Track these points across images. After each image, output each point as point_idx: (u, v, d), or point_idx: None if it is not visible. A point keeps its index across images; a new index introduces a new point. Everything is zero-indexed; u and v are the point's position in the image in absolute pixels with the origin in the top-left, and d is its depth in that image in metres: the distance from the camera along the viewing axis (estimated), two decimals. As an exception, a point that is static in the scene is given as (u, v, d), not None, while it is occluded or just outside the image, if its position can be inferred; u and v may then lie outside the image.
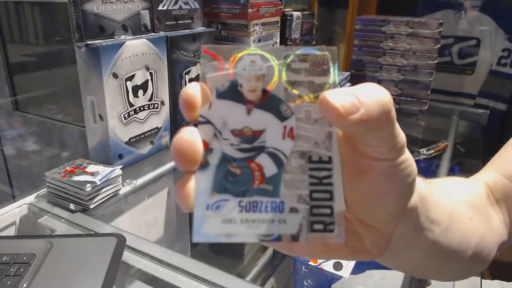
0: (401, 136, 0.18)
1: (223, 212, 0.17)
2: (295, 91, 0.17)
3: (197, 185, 0.17)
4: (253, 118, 0.17)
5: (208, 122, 0.17)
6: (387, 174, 0.18)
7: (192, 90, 0.17)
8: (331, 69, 0.17)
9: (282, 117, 0.17)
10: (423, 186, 0.21)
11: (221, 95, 0.17)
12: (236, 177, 0.17)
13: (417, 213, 0.21)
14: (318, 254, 0.21)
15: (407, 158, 0.18)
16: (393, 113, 0.17)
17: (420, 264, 0.24)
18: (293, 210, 0.17)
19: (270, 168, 0.17)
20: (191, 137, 0.17)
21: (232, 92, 0.17)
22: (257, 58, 0.17)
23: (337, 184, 0.17)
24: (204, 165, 0.17)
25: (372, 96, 0.16)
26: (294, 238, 0.17)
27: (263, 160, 0.17)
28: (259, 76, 0.17)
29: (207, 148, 0.17)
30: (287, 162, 0.17)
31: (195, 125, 0.17)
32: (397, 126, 0.17)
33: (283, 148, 0.17)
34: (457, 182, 0.29)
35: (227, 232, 0.17)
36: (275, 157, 0.17)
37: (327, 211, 0.17)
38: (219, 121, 0.17)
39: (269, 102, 0.17)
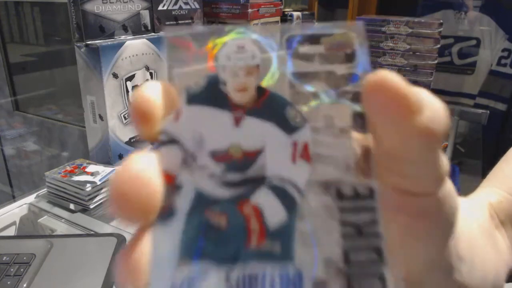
0: (446, 163, 0.13)
1: None
2: (308, 88, 0.12)
3: (154, 250, 0.10)
4: (244, 131, 0.11)
5: (174, 141, 0.11)
6: (426, 213, 0.13)
7: (149, 93, 0.11)
8: (358, 53, 0.12)
9: (289, 128, 0.11)
10: None
11: (194, 98, 0.11)
12: (220, 231, 0.11)
13: (449, 252, 0.16)
14: None
15: (450, 190, 0.14)
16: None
17: None
18: (319, 285, 0.10)
19: (275, 213, 0.11)
20: (143, 169, 0.10)
21: (210, 94, 0.11)
22: (247, 42, 0.12)
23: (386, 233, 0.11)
24: (166, 214, 0.11)
25: (435, 100, 0.12)
26: None
27: (264, 199, 0.11)
28: (251, 67, 0.12)
29: (172, 185, 0.11)
30: (303, 201, 0.11)
31: (154, 147, 0.11)
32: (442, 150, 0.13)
33: (295, 178, 0.11)
34: (464, 203, 0.26)
35: None
36: (282, 194, 0.11)
37: (376, 284, 0.10)
38: (191, 139, 0.11)
39: (269, 106, 0.11)
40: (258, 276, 0.10)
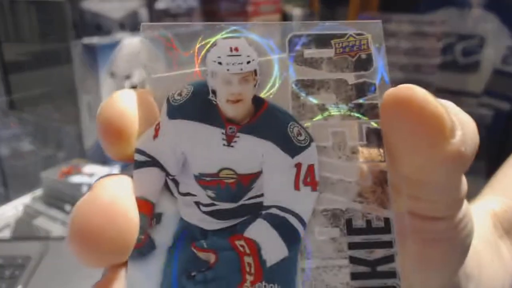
0: (465, 184, 0.12)
1: None
2: (314, 99, 0.10)
3: None
4: (238, 151, 0.10)
5: (152, 163, 0.09)
6: (441, 238, 0.12)
7: (122, 104, 0.09)
8: (375, 59, 0.10)
9: (292, 148, 0.10)
10: None
11: (177, 111, 0.10)
12: (209, 270, 0.09)
13: (458, 274, 0.15)
14: None
15: (467, 213, 0.13)
16: None
17: None
18: None
19: (274, 249, 0.09)
20: (112, 198, 0.09)
21: (197, 105, 0.10)
22: (242, 43, 0.10)
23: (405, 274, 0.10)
24: (143, 249, 0.09)
25: (465, 118, 0.10)
26: None
27: (261, 232, 0.09)
28: (247, 74, 0.10)
29: (150, 215, 0.09)
30: (307, 235, 0.09)
31: (127, 169, 0.10)
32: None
33: (298, 207, 0.09)
34: None
35: None
36: (283, 226, 0.09)
37: None
38: (173, 161, 0.09)
39: (267, 121, 0.10)
40: None
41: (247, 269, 0.09)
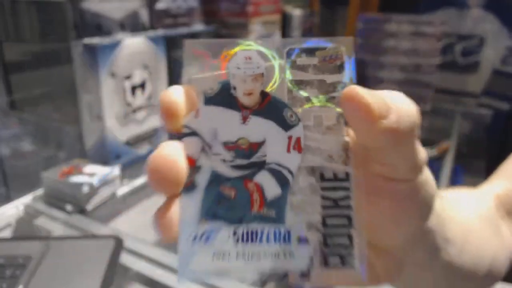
0: (422, 153, 0.16)
1: (215, 244, 0.14)
2: (302, 93, 0.15)
3: (182, 212, 0.14)
4: (250, 127, 0.15)
5: (194, 133, 0.15)
6: (404, 197, 0.16)
7: (175, 95, 0.14)
8: (346, 65, 0.15)
9: (286, 125, 0.15)
10: (437, 203, 0.19)
11: (210, 100, 0.15)
12: (230, 200, 0.14)
13: (433, 234, 0.19)
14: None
15: (427, 178, 0.16)
16: (418, 128, 0.15)
17: (433, 287, 0.22)
18: (302, 240, 0.14)
19: (272, 189, 0.14)
20: (172, 153, 0.14)
21: (223, 97, 0.15)
22: (254, 54, 0.15)
23: (357, 207, 0.14)
24: (190, 187, 0.14)
25: (404, 103, 0.14)
26: (304, 275, 0.14)
27: (264, 178, 0.14)
28: (257, 75, 0.14)
29: (194, 166, 0.14)
30: (294, 181, 0.14)
31: (179, 137, 0.15)
32: (418, 142, 0.16)
33: (289, 164, 0.14)
34: (465, 193, 0.27)
35: (220, 269, 0.14)
36: (278, 175, 0.14)
37: (345, 241, 0.14)
38: (208, 132, 0.15)
39: (270, 107, 0.15)
40: (258, 232, 0.14)
41: (255, 201, 0.14)
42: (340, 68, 0.15)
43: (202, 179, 0.14)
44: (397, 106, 0.14)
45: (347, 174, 0.14)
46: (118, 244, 0.44)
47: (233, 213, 0.14)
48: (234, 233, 0.14)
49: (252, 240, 0.14)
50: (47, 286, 0.39)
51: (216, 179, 0.14)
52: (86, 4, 0.59)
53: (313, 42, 0.15)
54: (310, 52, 0.15)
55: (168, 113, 0.14)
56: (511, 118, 1.05)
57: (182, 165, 0.14)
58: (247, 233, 0.14)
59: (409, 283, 0.21)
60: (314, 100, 0.15)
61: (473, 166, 0.83)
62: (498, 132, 1.05)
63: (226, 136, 0.15)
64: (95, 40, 0.60)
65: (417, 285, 0.22)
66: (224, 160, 0.15)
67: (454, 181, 0.73)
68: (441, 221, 0.19)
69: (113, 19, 0.64)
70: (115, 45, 0.61)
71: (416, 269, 0.20)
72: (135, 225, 0.61)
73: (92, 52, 0.59)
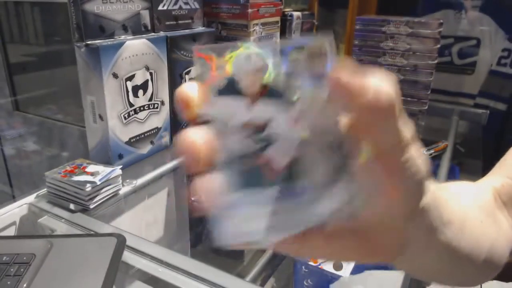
0: (406, 133, 0.17)
1: (245, 211, 0.17)
2: (295, 82, 0.17)
3: (212, 186, 0.17)
4: (256, 111, 0.17)
5: (210, 119, 0.17)
6: (391, 172, 0.18)
7: (189, 88, 0.17)
8: (328, 57, 0.17)
9: (285, 107, 0.17)
10: (433, 186, 0.21)
11: (220, 92, 0.17)
12: (251, 172, 0.17)
13: (430, 214, 0.20)
14: (332, 254, 0.21)
15: (412, 156, 0.18)
16: (400, 106, 0.16)
17: (434, 269, 0.23)
18: (318, 196, 0.17)
19: (284, 158, 0.17)
20: (195, 137, 0.17)
21: (231, 89, 0.17)
22: (253, 53, 0.17)
23: (353, 168, 0.17)
24: (215, 164, 0.17)
25: (382, 83, 0.16)
26: (324, 223, 0.17)
27: (276, 150, 0.17)
28: (257, 69, 0.17)
29: (213, 147, 0.17)
30: (300, 149, 0.17)
31: (196, 124, 0.17)
32: (402, 122, 0.17)
33: (293, 136, 0.17)
34: (464, 186, 0.29)
35: (253, 230, 0.17)
36: (287, 145, 0.17)
37: (354, 189, 0.17)
38: (222, 117, 0.17)
39: (271, 95, 0.17)
40: (280, 195, 0.17)
41: (271, 169, 0.17)
42: (324, 60, 0.17)
43: (224, 157, 0.17)
44: (374, 84, 0.16)
45: (341, 143, 0.17)
46: (121, 242, 0.45)
47: (255, 182, 0.17)
48: (260, 200, 0.17)
49: (277, 203, 0.17)
50: (51, 283, 0.39)
51: (235, 155, 0.17)
52: (89, 6, 0.60)
53: (300, 40, 0.17)
54: (299, 49, 0.17)
55: (185, 103, 0.17)
56: (507, 118, 1.06)
57: (206, 147, 0.17)
58: (271, 198, 0.17)
59: (411, 263, 0.22)
60: (306, 87, 0.17)
61: (469, 166, 0.84)
62: (494, 132, 1.06)
63: (238, 119, 0.17)
64: (97, 42, 0.61)
65: (419, 266, 0.23)
66: (239, 139, 0.17)
67: (451, 180, 0.74)
68: (438, 203, 0.21)
69: (115, 21, 0.64)
70: (117, 47, 0.62)
71: (415, 248, 0.21)
72: (137, 224, 0.62)
73: (95, 53, 0.59)
